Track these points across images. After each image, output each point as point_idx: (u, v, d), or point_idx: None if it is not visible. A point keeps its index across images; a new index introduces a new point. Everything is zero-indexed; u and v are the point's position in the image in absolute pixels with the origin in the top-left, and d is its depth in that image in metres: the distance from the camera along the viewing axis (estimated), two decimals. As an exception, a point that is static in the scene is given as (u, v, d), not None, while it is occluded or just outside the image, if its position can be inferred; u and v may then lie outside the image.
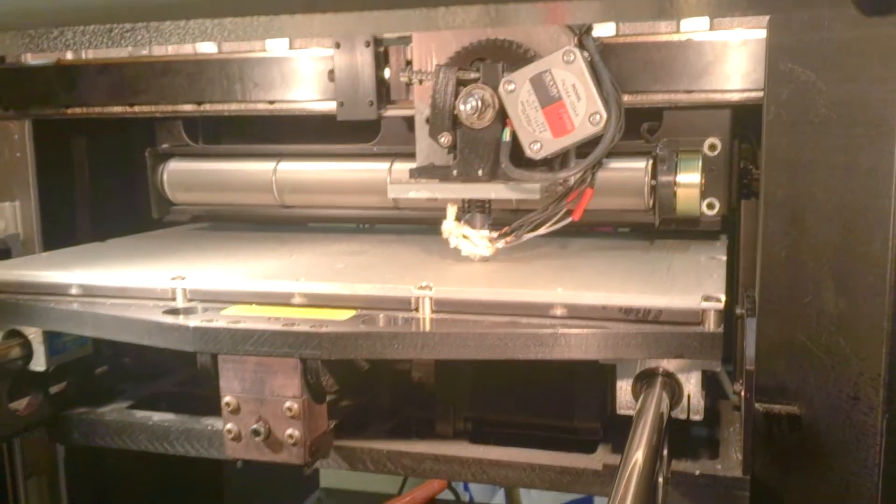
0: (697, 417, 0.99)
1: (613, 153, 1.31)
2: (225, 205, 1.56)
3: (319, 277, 1.16)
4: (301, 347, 1.00)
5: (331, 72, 1.38)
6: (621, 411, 1.02)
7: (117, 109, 1.50)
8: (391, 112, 1.38)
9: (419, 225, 1.48)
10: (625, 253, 1.30)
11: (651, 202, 1.29)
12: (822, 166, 0.89)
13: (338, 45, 1.35)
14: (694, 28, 1.22)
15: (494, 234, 1.22)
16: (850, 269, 0.89)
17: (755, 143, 1.32)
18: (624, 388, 1.02)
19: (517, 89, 1.12)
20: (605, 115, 1.10)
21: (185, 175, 1.54)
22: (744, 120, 1.29)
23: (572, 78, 1.10)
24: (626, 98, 1.25)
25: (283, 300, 1.12)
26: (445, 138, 1.17)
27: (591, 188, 1.17)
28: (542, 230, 1.20)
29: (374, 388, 1.29)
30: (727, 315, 0.95)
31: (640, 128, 1.33)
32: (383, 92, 1.36)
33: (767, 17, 0.91)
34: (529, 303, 1.03)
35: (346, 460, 1.17)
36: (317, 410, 1.07)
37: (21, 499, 1.52)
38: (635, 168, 1.29)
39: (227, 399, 1.05)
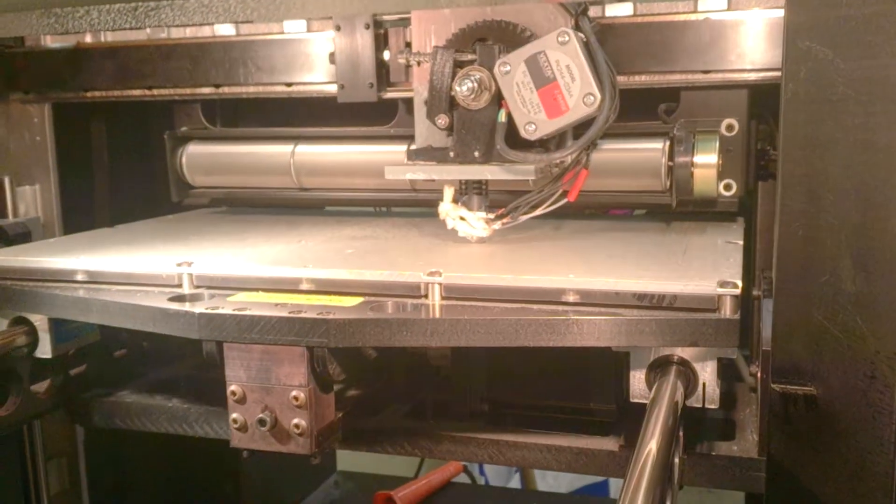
0: (713, 406, 0.98)
1: (630, 134, 1.32)
2: (243, 188, 1.57)
3: (328, 263, 1.15)
4: (307, 335, 0.98)
5: (331, 54, 1.38)
6: (635, 400, 1.01)
7: (136, 93, 1.51)
8: (391, 94, 1.39)
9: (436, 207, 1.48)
10: (640, 236, 1.29)
11: (668, 183, 1.29)
12: (840, 144, 0.88)
13: (338, 28, 1.36)
14: (711, 7, 1.21)
15: (491, 216, 1.23)
16: (867, 247, 0.89)
17: (772, 124, 1.31)
18: (637, 376, 1.01)
19: (512, 71, 1.12)
20: (599, 96, 1.10)
21: (203, 158, 1.55)
22: (761, 100, 1.29)
23: (566, 59, 1.10)
24: (642, 78, 1.25)
25: (291, 286, 1.10)
26: (442, 120, 1.18)
27: (586, 169, 1.18)
28: (538, 211, 1.20)
29: (390, 372, 1.30)
30: (744, 297, 0.95)
31: (657, 109, 1.32)
32: (383, 74, 1.37)
33: (785, -5, 0.90)
34: (540, 289, 1.01)
35: (363, 442, 1.18)
36: (324, 400, 1.05)
37: (41, 481, 1.54)
38: (652, 149, 1.29)
39: (232, 388, 1.03)
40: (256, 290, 1.10)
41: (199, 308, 1.03)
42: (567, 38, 1.09)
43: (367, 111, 1.41)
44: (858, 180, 0.88)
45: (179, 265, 1.14)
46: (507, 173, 1.17)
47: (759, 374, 1.04)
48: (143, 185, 1.71)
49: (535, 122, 1.13)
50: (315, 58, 1.41)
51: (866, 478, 0.92)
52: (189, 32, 1.47)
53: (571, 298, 0.99)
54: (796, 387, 0.95)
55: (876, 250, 0.88)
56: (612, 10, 1.25)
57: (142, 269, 1.16)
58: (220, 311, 1.02)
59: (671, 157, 1.27)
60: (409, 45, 1.29)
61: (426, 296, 1.04)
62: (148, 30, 1.48)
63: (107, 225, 1.55)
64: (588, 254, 1.19)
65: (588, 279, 1.00)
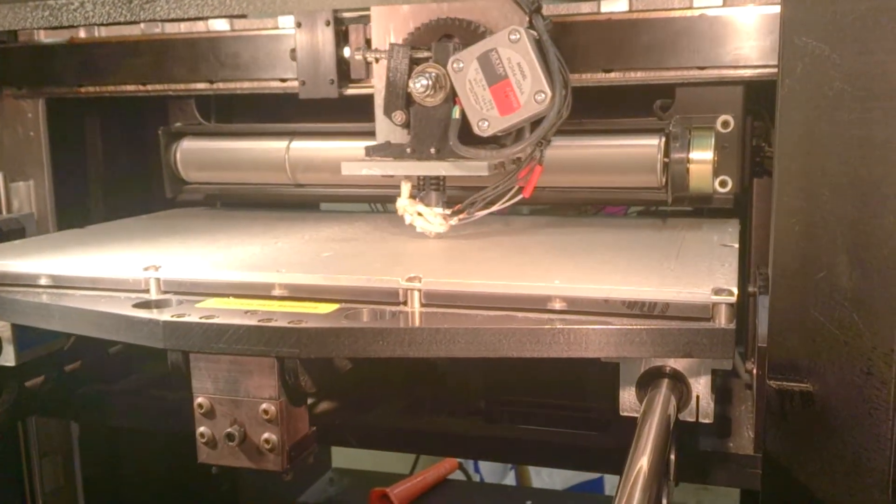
0: (707, 421, 0.95)
1: (626, 130, 1.32)
2: (238, 184, 1.56)
3: (303, 267, 1.11)
4: (277, 345, 0.93)
5: (292, 51, 1.39)
6: (625, 413, 0.97)
7: (130, 88, 1.50)
8: (352, 91, 1.39)
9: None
10: (631, 237, 1.26)
11: (664, 180, 1.29)
12: (836, 140, 0.88)
13: (299, 24, 1.36)
14: (707, 3, 1.21)
15: (448, 211, 1.24)
16: (863, 244, 0.89)
17: (768, 121, 1.31)
18: (627, 388, 0.97)
19: (465, 68, 1.13)
20: (549, 94, 1.10)
21: (198, 154, 1.54)
22: (757, 97, 1.29)
23: (518, 57, 1.10)
24: (638, 75, 1.25)
25: (263, 292, 1.05)
26: (399, 116, 1.20)
27: (540, 165, 1.18)
28: (495, 207, 1.21)
29: (385, 368, 1.29)
30: (740, 298, 0.95)
31: (652, 105, 1.32)
32: (344, 70, 1.38)
33: (781, -9, 0.90)
34: (525, 295, 0.96)
35: (359, 439, 1.18)
36: (296, 413, 1.00)
37: (36, 478, 1.53)
38: (648, 145, 1.29)
39: (199, 400, 0.99)
40: (227, 295, 1.06)
41: (164, 316, 0.98)
42: (518, 36, 1.10)
43: (362, 107, 1.41)
44: (855, 176, 0.88)
45: (146, 269, 1.09)
46: (461, 169, 1.18)
47: (755, 371, 1.04)
48: (138, 181, 1.70)
49: (487, 118, 1.13)
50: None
51: (862, 474, 0.92)
52: (183, 28, 1.46)
53: (558, 306, 0.95)
54: (792, 383, 0.95)
55: (872, 247, 0.88)
56: (608, 6, 1.24)
57: (108, 274, 1.11)
58: (185, 318, 0.97)
59: (667, 153, 1.27)
60: (368, 41, 1.31)
61: (405, 303, 1.00)
62: (142, 25, 1.47)
63: (101, 220, 1.55)
64: (577, 256, 1.15)
65: (575, 285, 0.96)
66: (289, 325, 0.93)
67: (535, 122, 1.14)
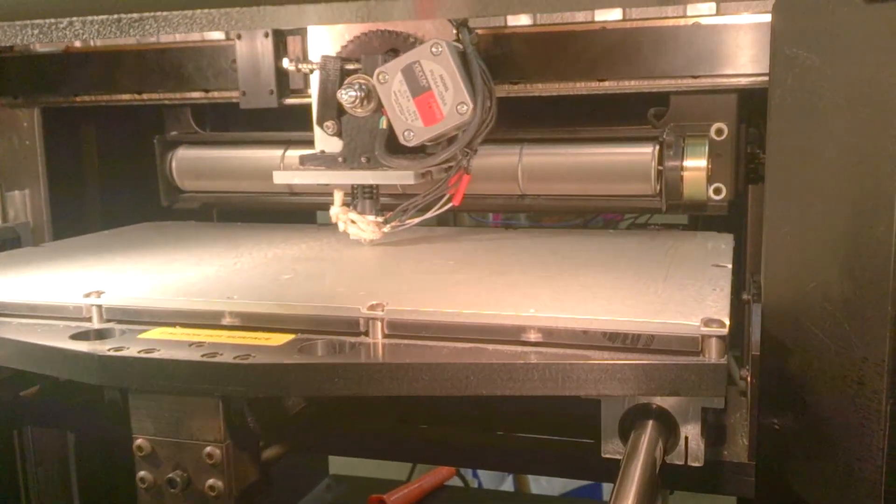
0: (697, 464, 0.89)
1: (620, 138, 1.32)
2: (233, 192, 1.56)
3: (258, 292, 1.03)
4: (222, 383, 0.86)
5: (233, 62, 1.40)
6: (607, 455, 0.91)
7: (125, 97, 1.51)
8: (291, 101, 1.41)
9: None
10: (618, 254, 1.21)
11: (658, 187, 1.29)
12: (827, 151, 0.89)
13: (239, 37, 1.38)
14: (700, 12, 1.21)
15: (381, 219, 1.27)
16: (855, 254, 0.89)
17: (762, 128, 1.31)
18: (610, 427, 0.90)
19: (390, 80, 1.16)
20: (471, 105, 1.14)
21: (193, 162, 1.55)
22: (751, 104, 1.29)
23: (440, 69, 1.13)
24: (632, 83, 1.25)
25: (213, 321, 0.97)
26: (330, 126, 1.23)
27: (467, 174, 1.22)
28: (428, 214, 1.25)
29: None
30: (734, 300, 0.95)
31: (646, 113, 1.33)
32: (284, 81, 1.40)
33: (773, 1, 0.91)
34: (497, 325, 0.89)
35: (355, 447, 1.18)
36: (244, 457, 0.93)
37: (31, 487, 1.53)
38: (642, 153, 1.29)
39: (138, 442, 0.91)
40: (174, 324, 0.98)
41: (100, 349, 0.90)
42: (440, 49, 1.13)
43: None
44: (845, 187, 0.88)
45: (87, 295, 1.01)
46: (387, 178, 1.21)
47: (749, 379, 1.04)
48: (134, 190, 1.70)
49: (412, 129, 1.16)
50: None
51: (855, 483, 0.92)
52: (178, 37, 1.46)
53: (532, 337, 0.88)
54: (786, 392, 0.95)
55: (863, 257, 0.88)
56: (602, 15, 1.25)
57: (47, 300, 1.03)
58: (123, 353, 0.89)
59: (661, 161, 1.27)
60: (306, 53, 1.33)
61: (367, 333, 0.93)
62: (137, 36, 1.47)
63: (97, 229, 1.55)
64: (556, 278, 1.08)
65: (552, 315, 0.89)
66: (234, 362, 0.85)
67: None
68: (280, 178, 1.28)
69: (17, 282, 1.12)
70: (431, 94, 1.14)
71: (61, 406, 1.30)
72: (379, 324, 0.93)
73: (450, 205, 1.23)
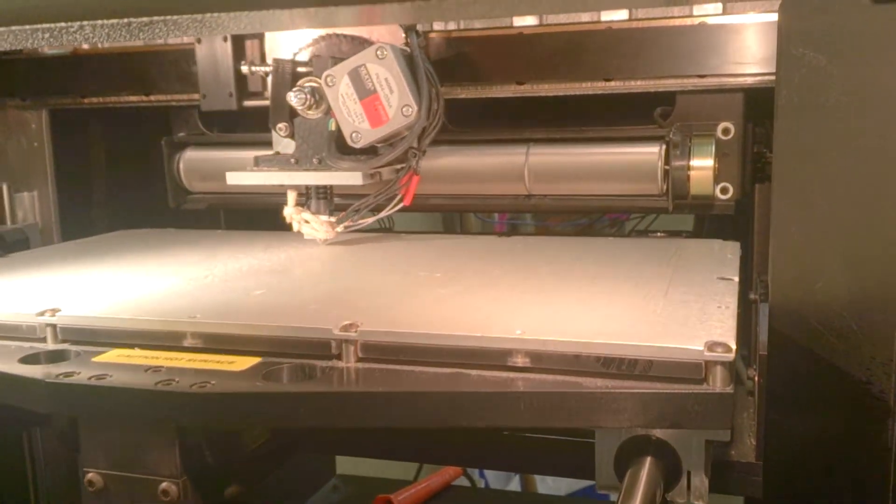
0: (701, 503, 0.81)
1: (627, 138, 1.32)
2: (241, 193, 1.56)
3: (225, 309, 0.96)
4: (178, 413, 0.79)
5: (194, 65, 1.42)
6: (602, 491, 0.84)
7: (133, 98, 1.51)
8: (250, 103, 1.42)
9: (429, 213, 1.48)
10: (616, 265, 1.13)
11: (665, 187, 1.29)
12: (833, 150, 0.89)
13: (198, 41, 1.39)
14: (707, 12, 1.21)
15: (334, 219, 1.29)
16: (862, 253, 0.89)
17: (769, 127, 1.31)
18: (605, 461, 0.82)
19: (337, 82, 1.19)
20: (415, 108, 1.17)
21: (201, 164, 1.55)
22: (758, 103, 1.29)
23: (385, 72, 1.17)
24: (638, 83, 1.25)
25: (174, 342, 0.90)
26: (283, 128, 1.26)
27: (417, 175, 1.24)
28: (382, 214, 1.28)
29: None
30: (741, 298, 0.94)
31: (653, 113, 1.33)
32: (243, 84, 1.41)
33: (779, 1, 0.91)
34: (481, 349, 0.81)
35: (362, 447, 1.18)
36: (202, 495, 0.87)
37: (41, 487, 1.54)
38: (649, 153, 1.29)
39: (90, 476, 0.86)
40: (133, 346, 0.91)
41: (48, 374, 0.83)
42: (385, 53, 1.16)
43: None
44: (853, 186, 0.88)
45: (42, 313, 0.94)
46: (336, 179, 1.23)
47: (756, 379, 1.04)
48: (141, 191, 1.71)
49: (359, 130, 1.19)
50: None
51: (863, 482, 0.92)
52: (185, 39, 1.47)
53: (520, 362, 0.80)
54: (793, 392, 0.95)
55: (871, 256, 0.88)
56: (608, 16, 1.25)
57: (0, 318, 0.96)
58: (72, 379, 0.81)
59: (667, 160, 1.27)
60: (264, 57, 1.36)
61: (339, 356, 0.85)
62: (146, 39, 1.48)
63: (105, 230, 1.56)
64: (549, 293, 1.01)
65: (541, 337, 0.81)
66: (190, 390, 0.78)
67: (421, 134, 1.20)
68: (233, 178, 1.30)
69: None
70: (377, 96, 1.17)
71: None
72: (352, 346, 0.85)
73: (401, 205, 1.26)
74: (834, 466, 0.93)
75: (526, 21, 1.29)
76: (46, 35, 0.70)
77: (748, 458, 1.04)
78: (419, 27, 1.21)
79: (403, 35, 1.22)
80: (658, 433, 0.80)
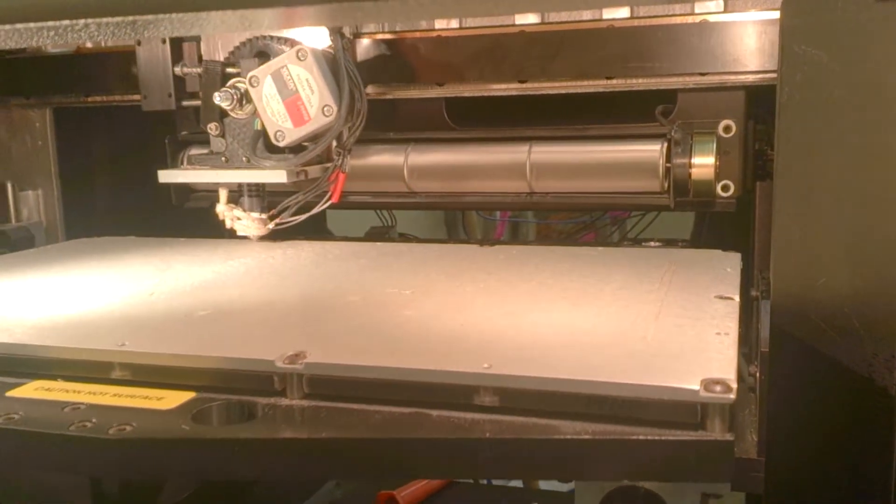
0: None
1: (628, 136, 1.33)
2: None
3: (160, 335, 0.86)
4: (92, 461, 0.71)
5: (134, 66, 1.43)
6: None
7: (137, 97, 1.51)
8: (188, 103, 1.42)
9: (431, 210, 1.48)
10: (603, 282, 1.04)
11: (666, 185, 1.29)
12: (836, 147, 0.89)
13: (139, 43, 1.41)
14: (708, 10, 1.22)
15: (265, 216, 1.33)
16: (864, 250, 0.89)
17: (770, 125, 1.31)
18: None
19: (260, 83, 1.22)
20: (335, 108, 1.20)
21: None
22: (759, 101, 1.29)
23: (305, 73, 1.19)
24: (640, 81, 1.25)
25: (101, 373, 0.81)
26: (214, 127, 1.30)
27: (343, 172, 1.28)
28: (314, 210, 1.31)
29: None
30: (743, 294, 0.94)
31: (654, 110, 1.33)
32: (180, 85, 1.42)
33: (781, -1, 0.91)
34: (444, 385, 0.71)
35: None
36: None
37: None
38: (650, 150, 1.30)
39: None
40: (55, 377, 0.82)
41: None
42: (305, 55, 1.19)
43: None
44: (855, 183, 0.89)
45: None
46: (262, 177, 1.27)
47: (757, 375, 1.04)
48: (145, 189, 1.71)
49: (283, 130, 1.23)
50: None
51: (865, 479, 0.92)
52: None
53: (488, 401, 0.70)
54: (794, 388, 0.95)
55: (873, 253, 0.89)
56: (610, 14, 1.25)
57: None
58: None
59: (669, 158, 1.28)
60: (200, 58, 1.38)
61: (284, 391, 0.75)
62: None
63: (109, 228, 1.56)
64: (525, 315, 0.90)
65: (512, 373, 0.70)
66: (104, 436, 0.69)
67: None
68: (164, 177, 1.37)
69: None
70: (299, 96, 1.20)
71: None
72: (297, 381, 0.75)
73: (329, 203, 1.29)
74: (836, 463, 0.93)
75: (528, 19, 1.30)
76: (51, 33, 0.70)
77: (749, 455, 1.04)
78: (345, 30, 1.26)
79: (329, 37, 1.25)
80: (648, 484, 0.73)
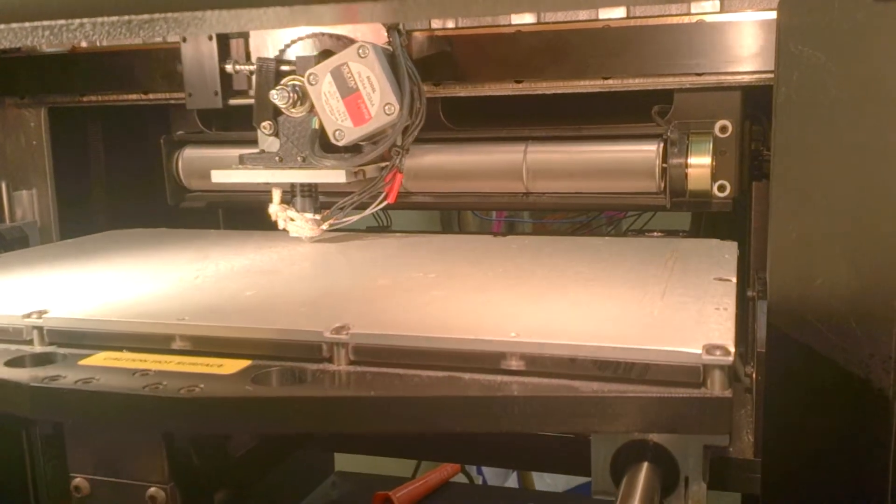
0: None
1: (624, 136, 1.33)
2: (239, 191, 1.57)
3: (213, 312, 0.94)
4: (164, 418, 0.78)
5: (179, 64, 1.41)
6: (598, 496, 0.82)
7: (132, 97, 1.51)
8: (235, 101, 1.41)
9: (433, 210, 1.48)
10: (612, 266, 1.11)
11: (662, 185, 1.30)
12: (832, 147, 0.89)
13: (184, 40, 1.39)
14: (705, 10, 1.22)
15: (318, 217, 1.30)
16: (860, 250, 0.89)
17: (766, 125, 1.32)
18: (601, 465, 0.81)
19: (320, 81, 1.19)
20: (397, 106, 1.17)
21: (199, 162, 1.55)
22: (755, 101, 1.29)
23: (367, 71, 1.17)
24: (636, 81, 1.25)
25: (162, 345, 0.88)
26: (267, 126, 1.26)
27: (400, 172, 1.25)
28: (368, 211, 1.28)
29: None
30: (739, 296, 0.95)
31: (651, 110, 1.33)
32: (227, 83, 1.40)
33: (778, -1, 0.91)
34: (474, 352, 0.80)
35: (361, 444, 1.18)
36: (190, 500, 0.86)
37: (38, 485, 1.54)
38: (646, 150, 1.30)
39: (76, 482, 0.85)
40: (121, 348, 0.89)
41: (36, 377, 0.81)
42: (367, 52, 1.16)
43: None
44: (851, 183, 0.89)
45: (28, 315, 0.91)
46: (319, 177, 1.24)
47: (754, 376, 1.04)
48: (140, 189, 1.71)
49: (342, 129, 1.20)
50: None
51: (861, 480, 0.92)
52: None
53: (514, 365, 0.79)
54: (791, 389, 0.95)
55: (869, 253, 0.89)
56: (606, 13, 1.25)
57: None
58: (57, 383, 0.79)
59: (665, 158, 1.28)
60: (248, 55, 1.35)
61: (331, 359, 0.83)
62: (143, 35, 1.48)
63: (105, 228, 1.56)
64: (544, 295, 0.99)
65: (536, 340, 0.79)
66: (177, 395, 0.76)
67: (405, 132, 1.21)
68: (218, 177, 1.31)
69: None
70: (359, 94, 1.18)
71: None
72: (343, 349, 0.83)
73: (385, 203, 1.27)
74: (832, 464, 0.94)
75: (524, 19, 1.30)
76: (46, 33, 0.70)
77: (746, 455, 1.05)
78: (401, 26, 1.22)
79: (386, 34, 1.22)
80: (655, 438, 0.79)
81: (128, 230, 1.54)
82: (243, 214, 1.71)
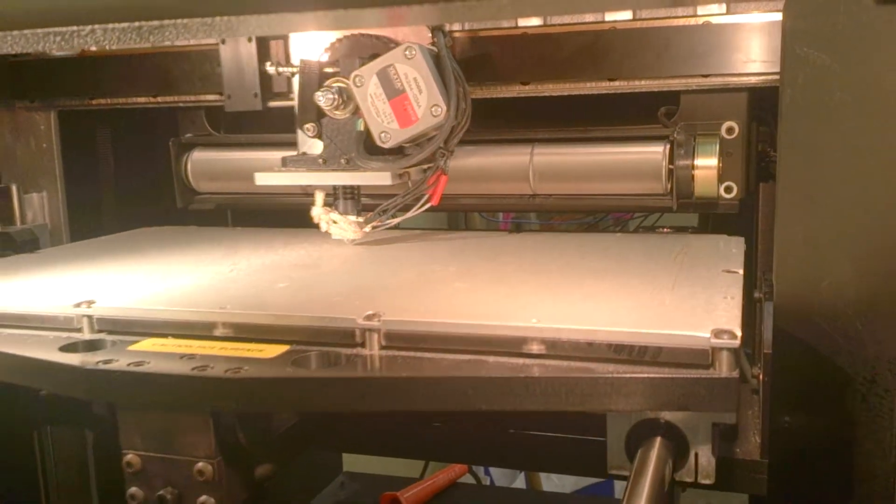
0: (708, 482, 0.86)
1: (631, 138, 1.33)
2: (248, 193, 1.57)
3: (251, 302, 1.00)
4: (212, 398, 0.84)
5: (218, 66, 1.42)
6: (613, 471, 0.88)
7: (141, 100, 1.52)
8: (275, 103, 1.42)
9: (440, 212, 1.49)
10: (625, 259, 1.16)
11: (669, 186, 1.30)
12: (838, 149, 0.89)
13: (223, 41, 1.39)
14: (711, 12, 1.22)
15: (361, 219, 1.29)
16: (866, 252, 0.89)
17: (773, 126, 1.32)
18: (616, 442, 0.87)
19: (365, 82, 1.18)
20: (444, 108, 1.16)
21: (208, 164, 1.56)
22: (762, 103, 1.29)
23: (413, 72, 1.16)
24: (643, 83, 1.25)
25: (205, 332, 0.94)
26: (311, 128, 1.26)
27: (445, 174, 1.24)
28: (408, 214, 1.27)
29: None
30: (746, 303, 0.95)
31: (657, 112, 1.33)
32: (267, 84, 1.41)
33: (783, 1, 0.91)
34: (498, 337, 0.85)
35: (369, 444, 1.18)
36: (236, 474, 0.91)
37: (50, 486, 1.55)
38: (653, 152, 1.30)
39: (128, 458, 0.90)
40: (166, 335, 0.95)
41: (87, 362, 0.87)
42: (413, 53, 1.16)
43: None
44: (858, 185, 0.89)
45: (78, 305, 0.98)
46: (365, 179, 1.23)
47: (760, 377, 1.04)
48: (149, 191, 1.72)
49: (388, 130, 1.19)
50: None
51: (867, 481, 0.92)
52: (193, 40, 1.48)
53: (535, 349, 0.84)
54: (798, 390, 0.95)
55: (875, 255, 0.89)
56: (612, 16, 1.25)
57: (37, 310, 1.00)
58: (110, 366, 0.86)
59: (672, 160, 1.28)
60: (288, 57, 1.36)
61: (363, 344, 0.89)
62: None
63: (114, 230, 1.57)
64: (560, 286, 1.04)
65: (555, 325, 0.84)
66: (224, 376, 0.82)
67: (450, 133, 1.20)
68: (261, 179, 1.30)
69: (9, 290, 1.10)
70: (406, 96, 1.17)
71: (80, 405, 1.31)
72: (375, 335, 0.89)
73: (428, 205, 1.26)
74: (838, 464, 0.94)
75: (530, 21, 1.30)
76: (57, 38, 0.71)
77: (753, 456, 1.05)
78: (446, 27, 1.21)
79: (430, 35, 1.21)
80: (667, 416, 0.85)
81: (157, 227, 1.57)
82: (251, 216, 1.71)
